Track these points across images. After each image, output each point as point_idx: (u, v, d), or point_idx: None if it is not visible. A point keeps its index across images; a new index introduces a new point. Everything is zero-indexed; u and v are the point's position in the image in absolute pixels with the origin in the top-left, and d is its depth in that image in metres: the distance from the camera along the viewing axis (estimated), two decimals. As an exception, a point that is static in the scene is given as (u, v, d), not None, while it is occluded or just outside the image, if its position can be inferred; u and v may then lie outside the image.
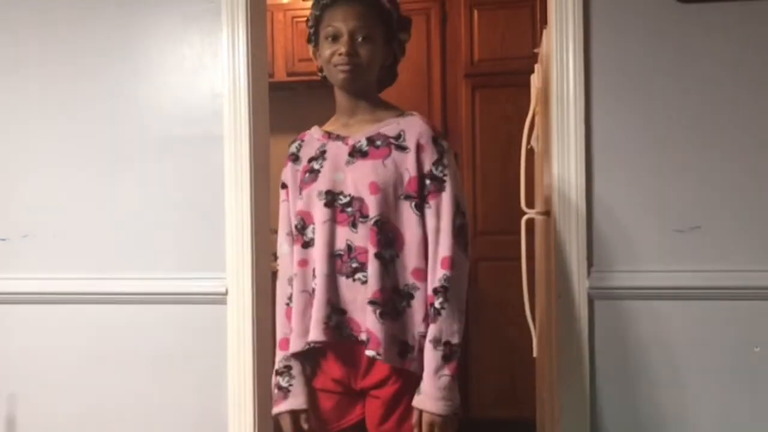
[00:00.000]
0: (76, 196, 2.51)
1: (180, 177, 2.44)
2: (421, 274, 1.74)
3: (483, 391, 3.97)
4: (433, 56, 4.13)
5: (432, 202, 1.75)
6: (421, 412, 1.70)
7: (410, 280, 1.74)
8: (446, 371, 1.69)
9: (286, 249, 1.89)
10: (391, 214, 1.74)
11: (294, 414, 1.84)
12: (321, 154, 1.83)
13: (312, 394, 1.85)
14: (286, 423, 1.86)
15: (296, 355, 1.83)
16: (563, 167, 2.21)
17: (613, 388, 2.19)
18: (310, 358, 1.84)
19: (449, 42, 4.13)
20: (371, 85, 1.85)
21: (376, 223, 1.72)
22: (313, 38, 1.86)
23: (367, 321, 1.71)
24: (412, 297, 1.74)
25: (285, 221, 1.90)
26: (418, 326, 1.73)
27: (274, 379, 1.87)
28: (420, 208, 1.75)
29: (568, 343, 2.20)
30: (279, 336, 1.89)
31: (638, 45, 2.18)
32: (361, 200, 1.75)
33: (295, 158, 1.91)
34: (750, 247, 2.14)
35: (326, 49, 1.79)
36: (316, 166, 1.82)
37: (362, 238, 1.74)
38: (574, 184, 2.19)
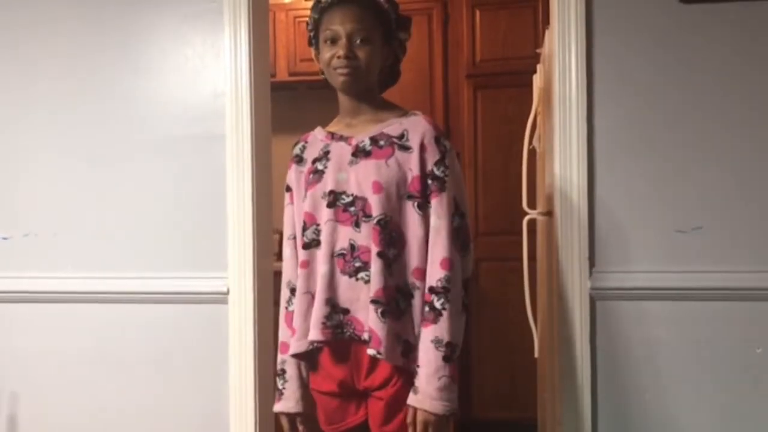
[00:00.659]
0: (77, 195, 2.51)
1: (182, 176, 2.44)
2: (422, 273, 1.74)
3: (484, 391, 3.97)
4: (434, 56, 4.13)
5: (432, 202, 1.75)
6: (416, 410, 1.70)
7: (411, 279, 1.75)
8: (446, 372, 1.69)
9: (287, 253, 1.90)
10: (394, 213, 1.75)
11: (288, 416, 1.88)
12: (325, 155, 1.83)
13: (308, 397, 1.87)
14: (284, 423, 1.90)
15: (294, 358, 1.85)
16: (565, 167, 2.21)
17: (615, 388, 2.19)
18: (311, 360, 1.85)
19: (451, 42, 4.13)
20: (373, 86, 1.85)
21: (379, 222, 1.73)
22: (314, 41, 1.87)
23: (369, 320, 1.72)
24: (412, 296, 1.75)
25: (289, 225, 1.91)
26: (418, 326, 1.74)
27: (276, 380, 1.91)
28: (422, 208, 1.75)
29: (569, 343, 2.20)
30: (279, 339, 1.91)
31: (640, 45, 2.17)
32: (364, 200, 1.75)
33: (299, 160, 1.91)
34: (753, 248, 2.13)
35: (325, 53, 1.79)
36: (320, 166, 1.83)
37: (365, 237, 1.74)
38: (576, 184, 2.19)
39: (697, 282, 2.14)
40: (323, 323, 1.75)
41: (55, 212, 2.52)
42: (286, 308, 1.89)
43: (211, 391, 2.42)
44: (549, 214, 2.42)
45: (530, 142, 2.78)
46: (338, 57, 1.76)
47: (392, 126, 1.80)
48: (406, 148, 1.77)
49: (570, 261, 2.20)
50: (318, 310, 1.76)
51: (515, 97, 3.82)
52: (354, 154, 1.79)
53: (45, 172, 2.53)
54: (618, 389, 2.19)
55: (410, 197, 1.75)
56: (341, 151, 1.82)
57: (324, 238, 1.77)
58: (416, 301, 1.74)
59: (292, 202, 1.91)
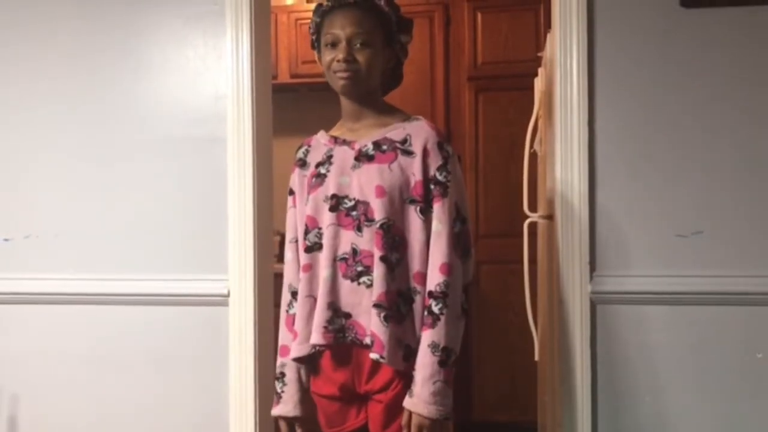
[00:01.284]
0: (78, 197, 2.51)
1: (183, 178, 2.44)
2: (423, 278, 1.74)
3: (484, 393, 3.97)
4: (436, 59, 4.13)
5: (434, 207, 1.75)
6: (411, 413, 1.70)
7: (413, 283, 1.75)
8: (441, 377, 1.69)
9: (289, 256, 1.90)
10: (397, 217, 1.75)
11: (286, 420, 1.88)
12: (327, 159, 1.84)
13: (307, 401, 1.87)
14: (282, 427, 1.90)
15: (296, 361, 1.85)
16: (566, 171, 2.21)
17: (614, 392, 2.19)
18: (312, 363, 1.85)
19: (452, 45, 4.13)
20: (374, 89, 1.84)
21: (381, 226, 1.73)
22: (316, 45, 1.87)
23: (371, 324, 1.72)
24: (413, 301, 1.75)
25: (291, 228, 1.91)
26: (419, 330, 1.74)
27: (275, 383, 1.91)
28: (424, 213, 1.75)
29: (569, 347, 2.20)
30: (279, 342, 1.91)
31: (642, 50, 2.17)
32: (366, 204, 1.75)
33: (302, 164, 1.91)
34: (753, 253, 2.13)
35: (326, 56, 1.80)
36: (322, 170, 1.83)
37: (367, 241, 1.74)
38: (577, 188, 2.19)
39: (698, 286, 2.14)
40: (325, 327, 1.75)
41: (56, 214, 2.52)
42: (287, 311, 1.89)
43: (211, 393, 2.41)
44: (550, 217, 2.42)
45: (531, 146, 2.78)
46: (338, 60, 1.76)
47: (395, 131, 1.80)
48: (408, 153, 1.77)
49: (571, 265, 2.20)
50: (320, 314, 1.76)
51: (516, 100, 3.83)
52: (357, 159, 1.79)
53: (46, 174, 2.53)
54: (618, 393, 2.19)
55: (412, 202, 1.75)
56: (344, 155, 1.82)
57: (326, 242, 1.78)
58: (417, 306, 1.75)
59: (294, 206, 1.91)
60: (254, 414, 2.37)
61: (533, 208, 2.79)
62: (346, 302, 1.76)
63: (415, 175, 1.76)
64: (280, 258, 1.99)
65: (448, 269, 1.71)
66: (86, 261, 2.50)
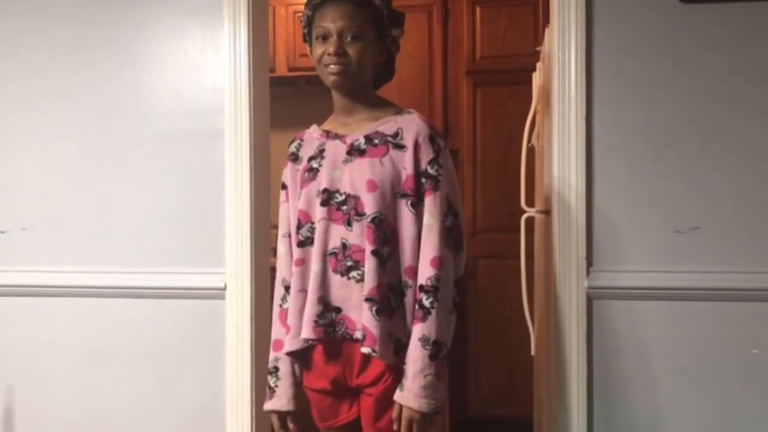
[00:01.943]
0: (74, 189, 2.51)
1: (180, 171, 2.44)
2: (414, 272, 1.74)
3: (481, 388, 3.98)
4: (434, 53, 4.12)
5: (426, 200, 1.75)
6: (401, 406, 1.71)
7: (404, 277, 1.75)
8: (432, 370, 1.69)
9: (282, 251, 1.90)
10: (389, 211, 1.74)
11: (279, 414, 1.89)
12: (320, 153, 1.84)
13: (300, 395, 1.88)
14: (274, 421, 1.91)
15: (290, 356, 1.85)
16: (564, 166, 2.21)
17: (610, 387, 2.19)
18: (304, 357, 1.85)
19: (451, 39, 4.12)
20: (365, 83, 1.84)
21: (373, 220, 1.73)
22: (308, 38, 1.86)
23: (363, 318, 1.72)
24: (404, 295, 1.75)
25: (284, 222, 1.91)
26: (409, 324, 1.74)
27: (268, 378, 1.92)
28: (415, 207, 1.75)
29: (566, 341, 2.21)
30: (273, 336, 1.91)
31: (640, 45, 2.17)
32: (356, 198, 1.75)
33: (295, 158, 1.91)
34: (749, 249, 2.13)
35: (317, 50, 1.79)
36: (315, 165, 1.83)
37: (357, 236, 1.74)
38: (575, 183, 2.19)
39: (695, 282, 2.14)
40: (315, 321, 1.76)
41: (53, 206, 2.52)
42: (281, 306, 1.90)
43: (207, 386, 2.42)
44: (547, 212, 2.42)
45: (529, 140, 2.77)
46: (329, 54, 1.76)
47: (387, 124, 1.80)
48: (400, 147, 1.76)
49: (567, 260, 2.20)
50: (310, 308, 1.76)
51: (515, 95, 3.82)
52: (349, 153, 1.79)
53: (42, 166, 2.53)
54: (613, 387, 2.19)
55: (404, 196, 1.75)
56: (336, 149, 1.81)
57: (317, 236, 1.78)
58: (408, 300, 1.75)
59: (287, 200, 1.91)
60: (250, 407, 2.38)
61: (530, 203, 2.78)
62: (337, 297, 1.76)
63: (407, 169, 1.75)
64: (276, 252, 1.99)
65: (439, 263, 1.71)
66: (82, 254, 2.49)
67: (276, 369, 1.88)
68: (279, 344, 1.88)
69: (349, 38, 1.76)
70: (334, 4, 1.78)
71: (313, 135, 1.89)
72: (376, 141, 1.78)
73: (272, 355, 1.90)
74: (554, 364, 2.25)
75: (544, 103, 2.65)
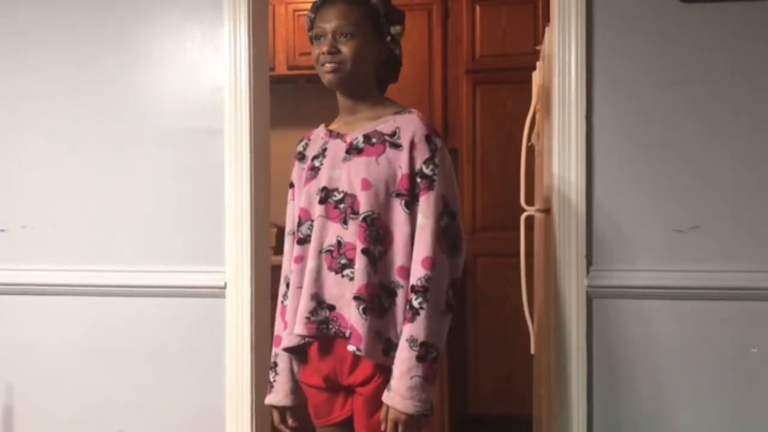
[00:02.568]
0: (74, 187, 2.51)
1: (180, 169, 2.44)
2: (406, 272, 1.73)
3: (480, 386, 3.98)
4: (434, 52, 4.12)
5: (420, 200, 1.73)
6: (388, 407, 1.69)
7: (396, 277, 1.74)
8: (419, 372, 1.66)
9: (286, 248, 1.91)
10: (382, 211, 1.74)
11: (278, 409, 1.90)
12: (322, 152, 1.84)
13: (298, 391, 1.89)
14: (274, 416, 1.92)
15: (287, 351, 1.86)
16: (564, 165, 2.21)
17: (610, 386, 2.20)
18: (302, 353, 1.86)
19: (451, 38, 4.11)
20: (365, 82, 1.83)
21: (365, 219, 1.72)
22: (312, 41, 1.87)
23: (351, 316, 1.72)
24: (396, 295, 1.74)
25: (290, 220, 1.92)
26: (401, 324, 1.72)
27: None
28: (409, 207, 1.74)
29: (565, 340, 2.21)
30: (275, 332, 1.92)
31: (640, 44, 2.17)
32: (353, 197, 1.75)
33: (301, 157, 1.92)
34: (749, 248, 2.14)
35: (314, 50, 1.80)
36: (317, 163, 1.84)
37: (352, 234, 1.74)
38: (575, 182, 2.19)
39: (694, 281, 2.14)
40: (307, 318, 1.76)
41: (53, 204, 2.52)
42: (282, 302, 1.91)
43: (207, 385, 2.42)
44: (547, 211, 2.42)
45: (529, 139, 2.77)
46: (323, 53, 1.77)
47: (386, 123, 1.80)
48: (396, 146, 1.76)
49: (567, 259, 2.20)
50: (303, 305, 1.77)
51: (514, 94, 3.82)
52: (348, 152, 1.79)
53: (42, 164, 2.53)
54: (613, 386, 2.19)
55: (398, 195, 1.74)
56: (337, 148, 1.82)
57: (314, 233, 1.78)
58: (399, 300, 1.73)
59: (293, 199, 1.92)
60: (250, 406, 2.38)
61: (530, 201, 2.78)
62: (330, 294, 1.76)
63: (402, 169, 1.74)
64: (277, 250, 2.00)
65: (430, 263, 1.69)
66: (82, 252, 2.49)
67: (275, 365, 1.90)
68: (279, 340, 1.89)
69: (343, 37, 1.76)
70: (330, 5, 1.79)
71: (318, 134, 1.90)
72: (374, 140, 1.78)
73: (273, 350, 1.91)
74: (554, 363, 2.26)
75: (544, 102, 2.65)
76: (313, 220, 1.80)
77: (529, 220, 2.75)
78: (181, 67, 2.45)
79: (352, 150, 1.79)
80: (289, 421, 1.90)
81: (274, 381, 1.89)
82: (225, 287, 2.39)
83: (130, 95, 2.48)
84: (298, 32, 4.17)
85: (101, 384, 2.49)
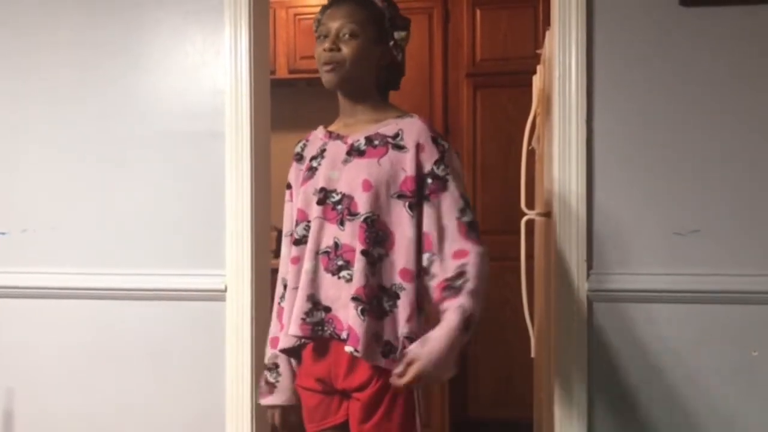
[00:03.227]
0: (75, 191, 2.51)
1: (181, 173, 2.44)
2: (409, 274, 1.72)
3: (481, 390, 3.97)
4: (434, 56, 4.12)
5: (435, 201, 1.73)
6: (412, 360, 1.61)
7: (398, 280, 1.73)
8: (463, 339, 1.64)
9: (284, 250, 1.90)
10: (383, 212, 1.73)
11: (282, 408, 1.89)
12: (321, 153, 1.84)
13: (297, 391, 1.88)
14: (274, 416, 1.91)
15: (284, 353, 1.85)
16: (564, 169, 2.21)
17: (611, 389, 2.19)
18: (297, 355, 1.86)
19: (451, 41, 4.12)
20: (365, 84, 1.83)
21: (365, 220, 1.72)
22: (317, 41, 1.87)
23: (348, 317, 1.70)
24: (398, 297, 1.72)
25: (287, 222, 1.91)
26: (402, 327, 1.71)
27: (264, 374, 1.91)
28: (413, 209, 1.73)
29: (566, 344, 2.21)
30: (270, 334, 1.92)
31: (641, 48, 2.17)
32: (351, 198, 1.75)
33: (299, 158, 1.92)
34: (749, 251, 2.14)
35: (317, 49, 1.80)
36: (314, 164, 1.83)
37: (349, 235, 1.74)
38: (575, 186, 2.19)
39: (695, 285, 2.14)
40: (302, 319, 1.75)
41: (54, 208, 2.52)
42: (279, 303, 1.90)
43: (207, 388, 2.42)
44: (547, 215, 2.42)
45: (529, 143, 2.77)
46: (324, 50, 1.77)
47: (388, 126, 1.80)
48: (400, 148, 1.76)
49: (568, 262, 2.20)
50: (299, 306, 1.76)
51: (515, 97, 3.82)
52: (348, 153, 1.79)
53: (43, 167, 2.53)
54: (614, 390, 2.19)
55: (401, 197, 1.74)
56: (336, 149, 1.82)
57: (311, 234, 1.78)
58: (401, 302, 1.72)
59: (291, 200, 1.92)
60: (250, 409, 2.38)
61: (531, 205, 2.79)
62: (327, 296, 1.75)
63: (406, 171, 1.74)
64: (278, 253, 1.99)
65: (466, 253, 1.69)
66: (83, 255, 2.50)
67: (276, 365, 1.88)
68: (276, 341, 1.88)
69: (345, 36, 1.76)
70: (336, 6, 1.79)
71: (317, 135, 1.90)
72: (376, 142, 1.78)
73: (270, 351, 1.90)
74: (554, 367, 2.25)
75: (544, 106, 2.66)
76: (309, 221, 1.80)
77: (530, 223, 2.75)
78: (182, 70, 2.45)
79: (353, 152, 1.79)
80: (293, 418, 1.89)
81: (277, 381, 1.88)
82: (225, 290, 2.39)
83: (131, 98, 2.48)
84: (299, 36, 4.18)
85: (102, 387, 2.49)
